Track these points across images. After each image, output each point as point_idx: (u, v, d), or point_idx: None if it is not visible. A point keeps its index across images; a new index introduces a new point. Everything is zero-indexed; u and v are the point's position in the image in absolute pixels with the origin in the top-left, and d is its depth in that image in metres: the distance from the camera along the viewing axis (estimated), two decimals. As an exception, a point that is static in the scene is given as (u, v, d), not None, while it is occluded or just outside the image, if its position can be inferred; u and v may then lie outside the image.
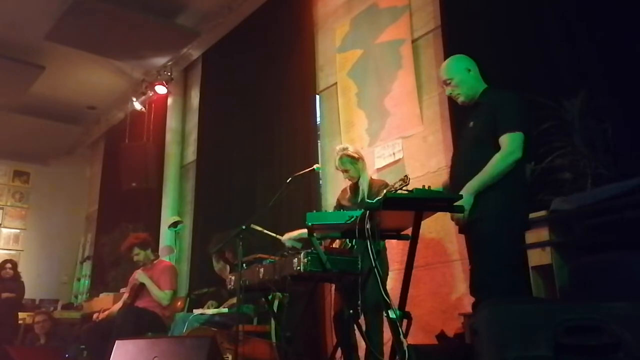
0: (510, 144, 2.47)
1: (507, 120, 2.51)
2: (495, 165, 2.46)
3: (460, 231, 2.65)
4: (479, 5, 3.74)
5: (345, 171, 3.51)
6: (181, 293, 5.64)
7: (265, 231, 3.60)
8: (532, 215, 2.79)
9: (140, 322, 4.32)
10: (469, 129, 2.72)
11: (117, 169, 7.40)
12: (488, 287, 2.39)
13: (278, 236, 3.58)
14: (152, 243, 5.17)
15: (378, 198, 2.26)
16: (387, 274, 3.37)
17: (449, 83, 2.76)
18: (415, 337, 3.61)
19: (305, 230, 2.88)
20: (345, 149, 3.53)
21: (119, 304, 4.88)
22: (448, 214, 2.68)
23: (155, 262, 4.96)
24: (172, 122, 7.35)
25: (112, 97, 8.14)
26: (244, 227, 3.29)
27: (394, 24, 4.52)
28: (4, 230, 9.44)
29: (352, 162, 3.48)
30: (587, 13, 3.06)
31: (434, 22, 4.19)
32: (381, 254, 3.27)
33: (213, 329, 3.87)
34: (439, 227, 3.72)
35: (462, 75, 2.74)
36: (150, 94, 7.35)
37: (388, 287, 2.69)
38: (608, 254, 2.35)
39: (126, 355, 3.25)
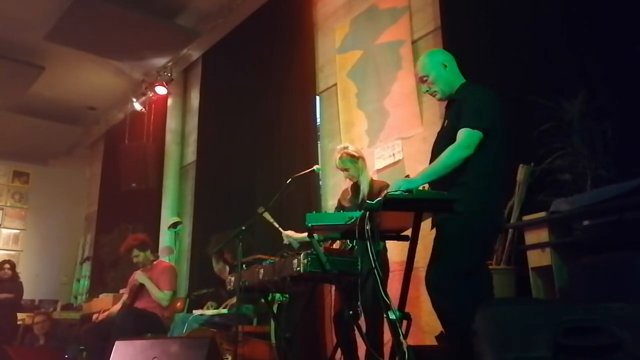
0: (466, 138, 2.38)
1: (468, 117, 2.42)
2: (446, 156, 2.38)
3: (433, 227, 2.55)
4: (478, 6, 3.74)
5: (345, 170, 3.51)
6: (181, 294, 5.65)
7: (274, 222, 3.56)
8: (531, 217, 2.81)
9: (139, 323, 4.32)
10: (443, 127, 2.65)
11: (116, 169, 7.40)
12: (445, 289, 2.34)
13: (280, 229, 3.55)
14: (151, 244, 5.16)
15: (378, 199, 2.26)
16: (388, 275, 3.37)
17: (426, 80, 2.67)
18: (415, 338, 3.61)
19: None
20: (345, 147, 3.53)
21: (119, 305, 4.88)
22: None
23: (154, 262, 4.96)
24: (171, 122, 7.36)
25: (111, 98, 8.14)
26: (243, 227, 3.29)
27: (394, 25, 4.52)
28: (4, 231, 9.43)
29: (352, 161, 3.48)
30: (586, 14, 3.07)
31: (434, 23, 4.19)
32: (381, 255, 3.28)
33: (212, 330, 3.87)
34: (438, 228, 3.71)
35: (438, 71, 2.63)
36: (150, 94, 7.35)
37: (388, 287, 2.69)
38: (609, 255, 2.36)
39: (125, 355, 3.25)
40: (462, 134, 2.40)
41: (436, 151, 2.56)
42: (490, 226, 2.49)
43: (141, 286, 4.71)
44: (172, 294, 4.73)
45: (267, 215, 3.50)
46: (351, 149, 3.51)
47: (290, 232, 3.51)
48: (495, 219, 2.51)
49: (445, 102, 2.74)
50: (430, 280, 2.41)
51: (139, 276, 4.73)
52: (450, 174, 2.39)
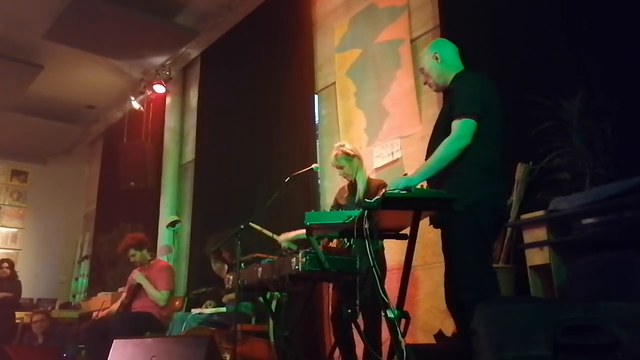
0: (459, 129, 2.37)
1: (459, 105, 2.42)
2: (442, 149, 2.37)
3: (435, 225, 2.53)
4: (477, 5, 3.74)
5: (340, 168, 3.51)
6: (179, 292, 5.64)
7: (264, 230, 3.59)
8: (530, 215, 2.80)
9: (135, 326, 4.29)
10: (438, 118, 2.66)
11: (115, 168, 7.40)
12: (463, 288, 2.31)
13: (275, 236, 3.57)
14: (149, 243, 5.14)
15: (377, 197, 2.25)
16: (385, 274, 3.37)
17: (423, 72, 2.74)
18: (413, 336, 3.61)
19: (302, 232, 2.87)
20: (342, 145, 3.53)
21: (118, 304, 4.87)
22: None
23: (152, 261, 4.95)
24: (170, 121, 7.35)
25: (110, 97, 8.13)
26: (242, 226, 3.28)
27: (393, 23, 4.52)
28: (2, 230, 9.42)
29: (347, 160, 3.48)
30: (586, 13, 3.07)
31: (433, 22, 4.19)
32: (379, 254, 3.28)
33: (211, 329, 3.87)
34: (437, 226, 3.71)
35: (430, 63, 2.68)
36: (149, 93, 7.34)
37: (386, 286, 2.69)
38: (608, 253, 2.36)
39: (124, 354, 3.24)
40: (456, 125, 2.39)
41: (432, 142, 2.56)
42: (492, 214, 2.40)
43: (139, 286, 4.70)
44: (169, 293, 4.71)
45: (254, 226, 3.50)
46: (347, 147, 3.51)
47: (284, 235, 3.50)
48: (496, 206, 2.42)
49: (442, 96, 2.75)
50: (449, 280, 2.40)
51: (136, 276, 4.72)
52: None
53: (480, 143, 2.37)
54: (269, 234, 3.59)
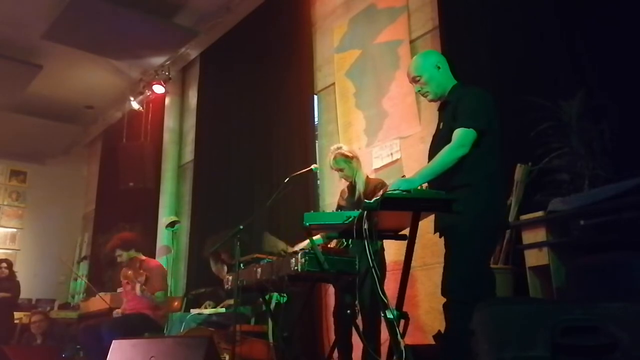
0: (459, 138, 2.41)
1: (462, 116, 2.46)
2: (442, 155, 2.41)
3: (440, 235, 2.55)
4: (476, 6, 3.75)
5: (339, 170, 3.51)
6: (178, 293, 5.63)
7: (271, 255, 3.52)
8: (529, 216, 2.81)
9: (128, 329, 4.22)
10: (439, 130, 2.67)
11: (114, 168, 7.40)
12: (455, 290, 2.36)
13: (288, 247, 3.54)
14: (137, 242, 4.95)
15: (376, 198, 2.26)
16: (385, 275, 3.37)
17: (418, 80, 2.68)
18: (412, 337, 3.61)
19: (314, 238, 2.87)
20: (339, 148, 3.53)
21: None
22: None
23: (142, 262, 4.80)
24: (169, 121, 7.35)
25: (109, 97, 8.12)
26: (241, 227, 3.28)
27: (392, 24, 4.52)
28: (1, 230, 9.41)
29: (346, 161, 3.48)
30: (584, 14, 3.07)
31: (432, 23, 4.19)
32: (379, 255, 3.28)
33: (210, 329, 3.86)
34: (436, 227, 3.71)
35: (431, 72, 2.65)
36: (148, 93, 7.34)
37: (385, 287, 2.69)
38: (606, 254, 2.36)
39: (123, 355, 3.24)
40: (457, 134, 2.42)
41: (433, 154, 2.57)
42: (498, 225, 2.52)
43: (131, 289, 4.58)
44: (164, 294, 4.62)
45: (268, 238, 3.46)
46: (344, 149, 3.51)
47: (297, 248, 3.48)
48: (501, 217, 2.55)
49: (438, 104, 2.74)
50: (446, 286, 2.40)
51: (138, 289, 4.53)
52: (449, 175, 2.39)
53: (490, 156, 2.43)
54: (282, 247, 3.52)
